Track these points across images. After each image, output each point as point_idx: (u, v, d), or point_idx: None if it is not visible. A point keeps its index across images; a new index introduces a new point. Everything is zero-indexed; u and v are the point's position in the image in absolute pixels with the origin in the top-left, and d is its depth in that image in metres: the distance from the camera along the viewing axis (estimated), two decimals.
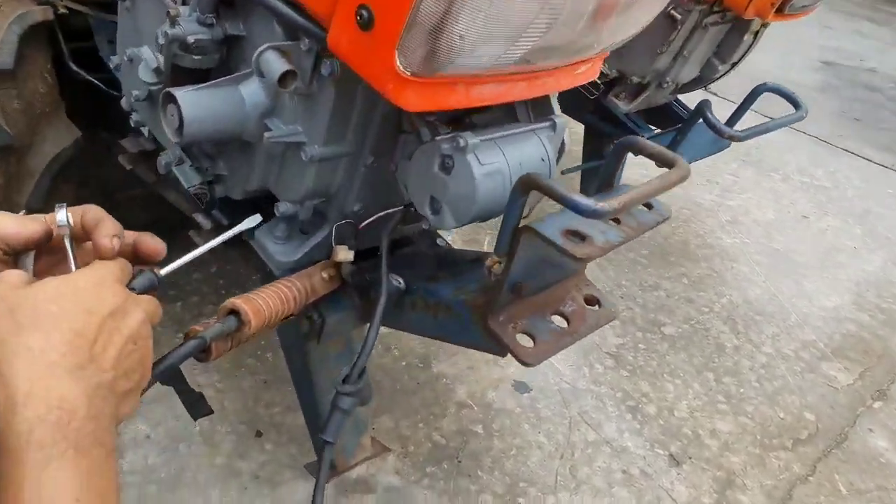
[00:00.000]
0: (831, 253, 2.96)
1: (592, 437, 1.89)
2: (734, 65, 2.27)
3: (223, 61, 1.05)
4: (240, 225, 0.85)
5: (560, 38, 0.91)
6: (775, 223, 3.10)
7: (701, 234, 2.91)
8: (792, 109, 2.08)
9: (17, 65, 1.31)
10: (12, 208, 1.38)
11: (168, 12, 0.98)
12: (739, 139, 1.95)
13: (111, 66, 1.33)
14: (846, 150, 3.98)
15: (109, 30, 1.57)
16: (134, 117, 1.31)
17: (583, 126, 2.50)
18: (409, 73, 0.82)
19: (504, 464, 1.75)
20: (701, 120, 2.09)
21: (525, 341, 0.99)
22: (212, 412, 0.95)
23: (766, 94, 2.07)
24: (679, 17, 1.93)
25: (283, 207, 1.12)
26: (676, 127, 2.19)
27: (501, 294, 0.94)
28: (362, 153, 1.09)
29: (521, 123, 1.05)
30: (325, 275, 1.13)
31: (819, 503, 1.83)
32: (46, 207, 1.43)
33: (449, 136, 0.95)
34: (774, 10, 1.84)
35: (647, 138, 2.21)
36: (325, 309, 1.15)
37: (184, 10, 0.99)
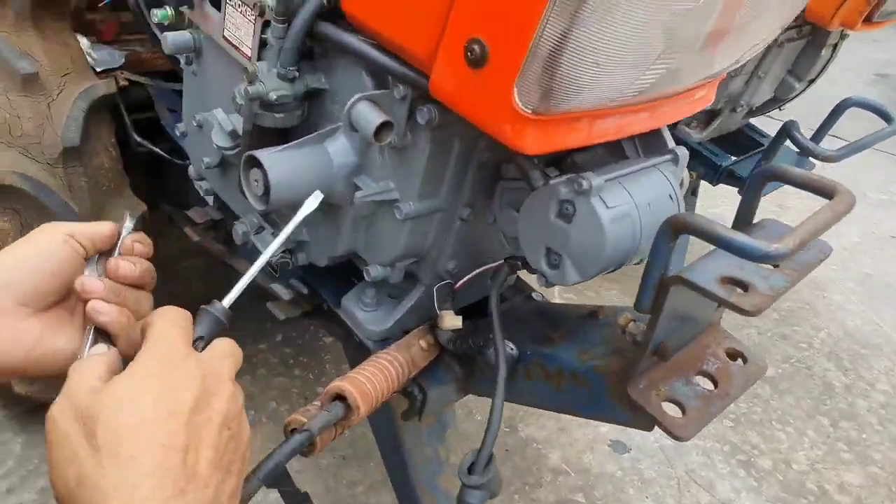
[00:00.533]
0: None
1: (706, 499, 1.69)
2: (811, 82, 2.13)
3: (303, 119, 0.97)
4: (299, 213, 0.77)
5: (685, 61, 0.80)
6: (861, 246, 2.89)
7: None
8: (882, 124, 1.94)
9: (83, 141, 1.26)
10: None
11: (245, 69, 0.91)
12: (835, 159, 1.80)
13: (176, 133, 1.26)
14: None
15: (169, 99, 1.54)
16: (203, 186, 1.24)
17: None
18: (529, 111, 0.72)
19: None
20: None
21: (671, 410, 0.84)
22: None
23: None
24: None
25: (374, 271, 1.01)
26: (758, 151, 2.05)
27: (644, 358, 0.81)
28: (457, 206, 0.99)
29: (635, 160, 0.93)
30: (423, 344, 1.01)
31: None
32: None
33: (565, 178, 0.84)
34: (863, 18, 1.70)
35: (729, 166, 2.08)
36: (424, 382, 1.03)
37: (261, 65, 0.92)
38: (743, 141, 2.25)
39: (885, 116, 1.95)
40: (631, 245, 0.85)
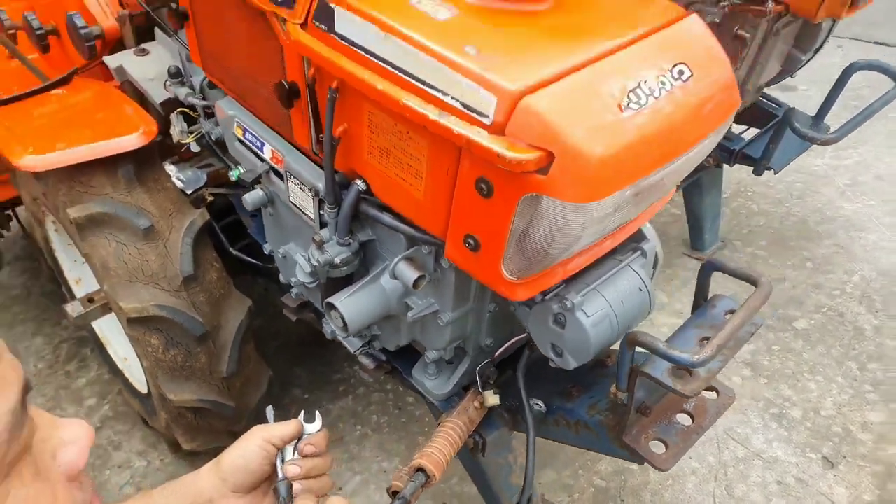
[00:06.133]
0: None
1: (742, 452, 1.99)
2: (817, 50, 2.22)
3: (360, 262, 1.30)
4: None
5: (639, 205, 1.05)
6: None
7: (818, 208, 2.84)
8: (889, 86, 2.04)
9: (196, 268, 1.64)
10: (216, 377, 1.73)
11: (313, 239, 1.24)
12: (832, 141, 1.95)
13: (265, 250, 1.63)
14: None
15: None
16: (294, 291, 1.61)
17: None
18: (514, 279, 1.02)
19: (663, 495, 1.91)
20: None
21: (657, 447, 1.16)
22: None
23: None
24: (747, 35, 1.94)
25: (431, 355, 1.36)
26: (768, 128, 2.19)
27: (630, 417, 1.12)
28: (484, 304, 1.30)
29: (610, 260, 1.21)
30: (476, 404, 1.35)
31: None
32: (241, 370, 1.76)
33: (555, 296, 1.14)
34: (849, 5, 1.80)
35: (741, 148, 2.23)
36: (483, 431, 1.38)
37: (324, 233, 1.24)
38: (758, 113, 2.37)
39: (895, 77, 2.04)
40: (611, 335, 1.14)
